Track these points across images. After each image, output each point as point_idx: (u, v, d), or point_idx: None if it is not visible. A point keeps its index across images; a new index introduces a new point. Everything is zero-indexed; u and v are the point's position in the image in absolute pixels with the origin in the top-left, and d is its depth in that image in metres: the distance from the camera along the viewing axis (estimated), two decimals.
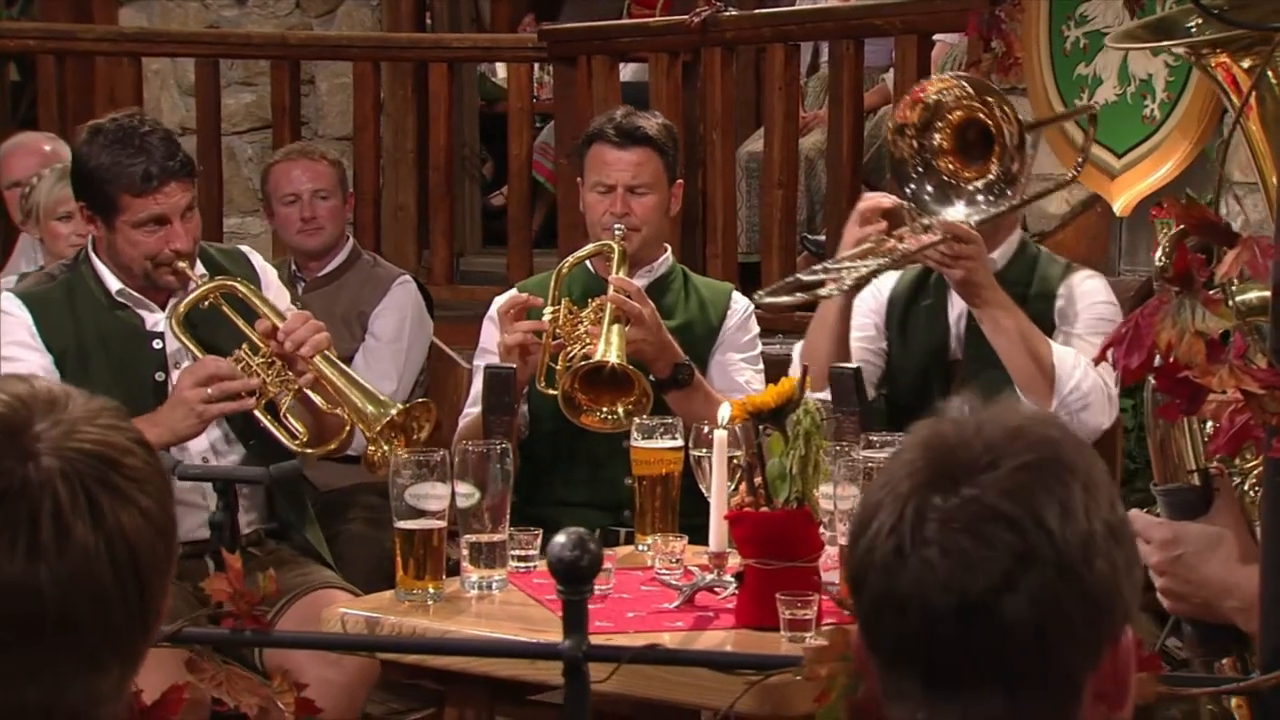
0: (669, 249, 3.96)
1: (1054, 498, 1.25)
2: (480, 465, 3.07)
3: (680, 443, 3.30)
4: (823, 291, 3.45)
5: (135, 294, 3.52)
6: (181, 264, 3.44)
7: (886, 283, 3.73)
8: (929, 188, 3.46)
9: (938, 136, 3.41)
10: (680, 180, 3.97)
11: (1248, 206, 4.70)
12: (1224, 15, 1.93)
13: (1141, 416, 4.62)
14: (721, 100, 5.70)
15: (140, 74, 6.93)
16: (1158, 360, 1.77)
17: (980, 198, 3.44)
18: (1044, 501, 1.24)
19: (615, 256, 3.67)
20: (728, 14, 5.64)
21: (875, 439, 3.02)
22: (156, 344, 3.53)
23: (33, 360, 3.43)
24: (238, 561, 1.99)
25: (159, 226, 3.42)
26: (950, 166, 3.43)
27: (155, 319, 3.54)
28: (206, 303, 3.45)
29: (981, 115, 3.39)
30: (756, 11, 6.05)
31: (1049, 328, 3.58)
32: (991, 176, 3.44)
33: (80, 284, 3.53)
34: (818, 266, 3.59)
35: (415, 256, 7.06)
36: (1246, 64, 2.03)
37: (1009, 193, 3.44)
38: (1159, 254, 2.37)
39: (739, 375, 3.83)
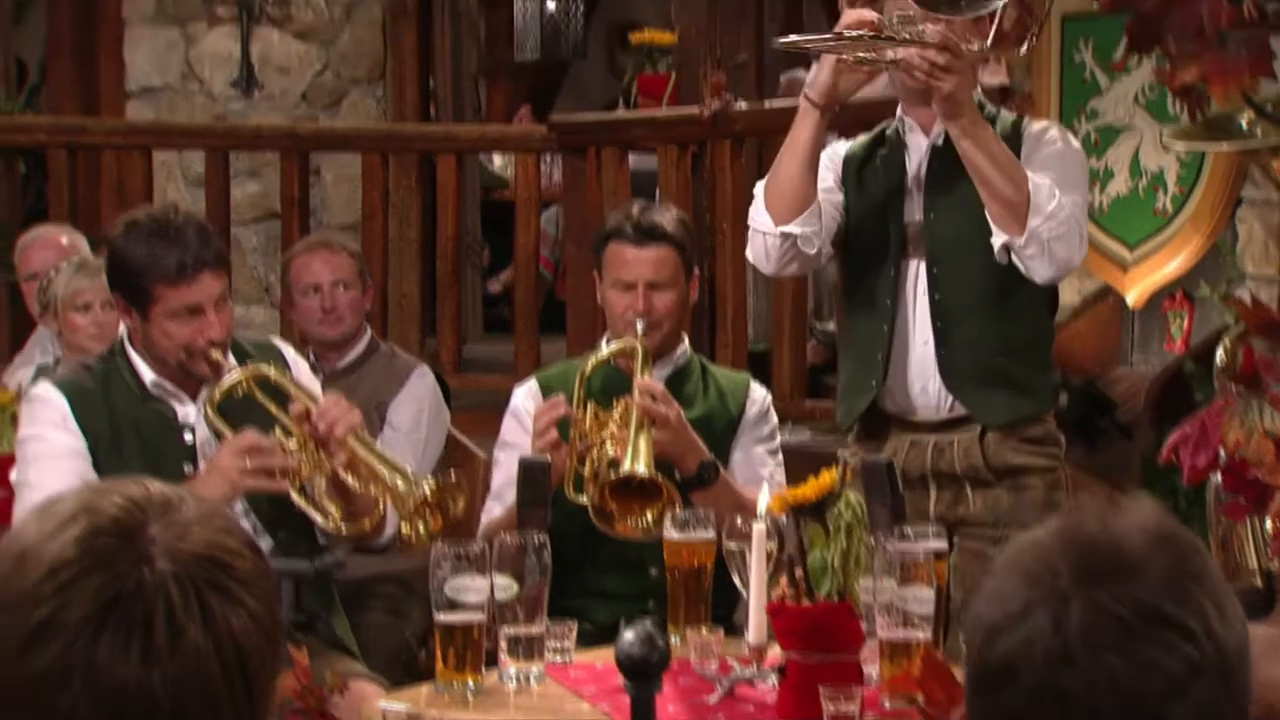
0: (686, 339, 3.99)
1: (1210, 601, 1.28)
2: (517, 558, 3.09)
3: (713, 534, 3.32)
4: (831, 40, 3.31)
5: (169, 385, 3.55)
6: (215, 354, 3.47)
7: (843, 143, 3.69)
8: None
9: None
10: (697, 271, 4.01)
11: (1264, 299, 4.75)
12: (1254, 104, 1.96)
13: (1189, 507, 4.65)
14: (732, 191, 5.76)
15: (150, 166, 7.00)
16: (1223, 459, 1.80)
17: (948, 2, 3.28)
18: (1204, 605, 1.27)
19: (639, 357, 3.70)
20: (738, 107, 5.70)
21: (910, 531, 3.04)
22: (187, 436, 3.56)
23: (63, 441, 3.45)
24: (305, 658, 2.01)
25: (194, 317, 3.45)
26: None
27: (187, 411, 3.56)
28: (240, 391, 3.47)
29: None
30: (767, 105, 6.11)
31: None
32: None
33: (115, 375, 3.56)
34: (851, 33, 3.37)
35: (419, 344, 7.09)
36: None
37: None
38: (1219, 353, 2.40)
39: (762, 467, 3.85)
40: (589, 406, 3.65)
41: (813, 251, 3.52)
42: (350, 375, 4.70)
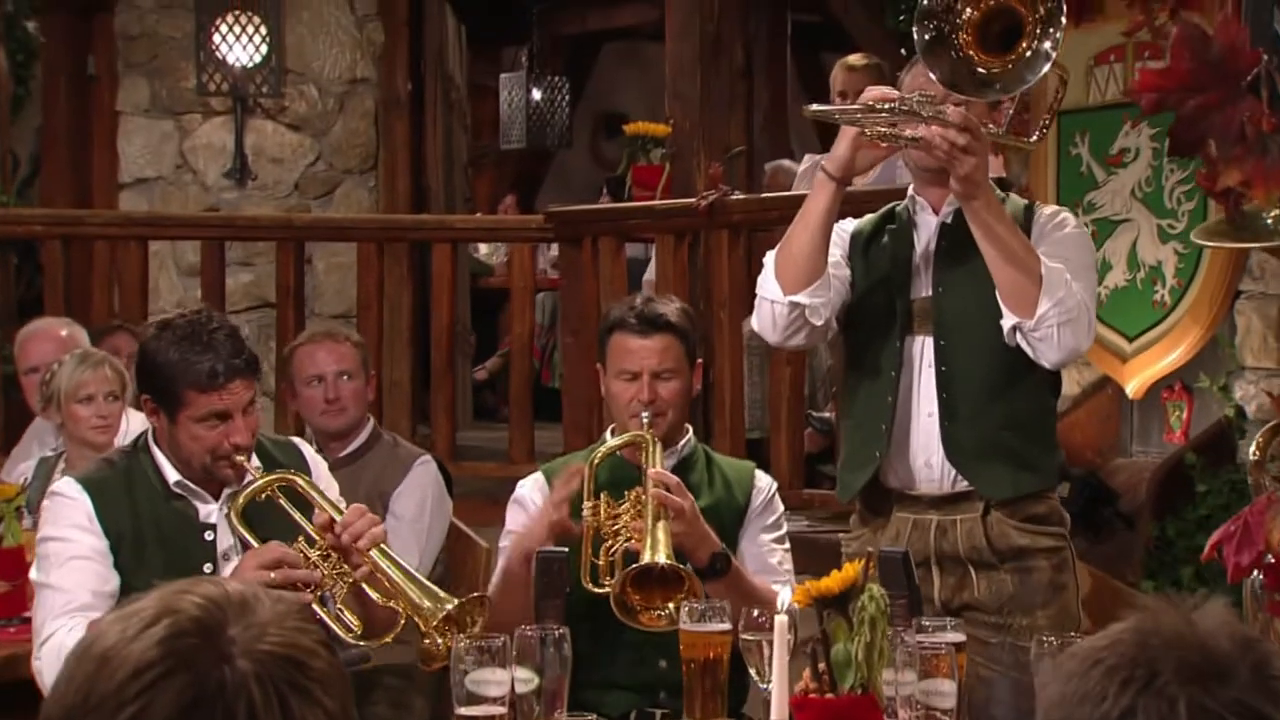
0: (690, 429, 4.00)
1: None
2: (538, 651, 3.08)
3: (728, 626, 3.32)
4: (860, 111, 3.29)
5: (192, 485, 3.55)
6: (239, 458, 3.47)
7: (850, 220, 3.67)
8: (932, 41, 3.26)
9: (969, 10, 3.22)
10: (700, 360, 4.03)
11: (1262, 391, 4.80)
12: None
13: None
14: (729, 280, 5.80)
15: (146, 257, 7.03)
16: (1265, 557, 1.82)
17: (974, 84, 3.28)
18: None
19: (648, 448, 3.71)
20: (735, 197, 5.75)
21: (927, 623, 3.05)
22: (209, 535, 3.55)
23: (88, 542, 3.44)
24: None
25: (221, 421, 3.45)
26: (965, 39, 3.24)
27: (209, 510, 3.56)
28: (264, 495, 3.47)
29: (1022, 11, 3.20)
30: (764, 195, 6.18)
31: None
32: (995, 71, 3.26)
33: (139, 471, 3.55)
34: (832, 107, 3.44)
35: (410, 433, 7.11)
36: None
37: (995, 89, 3.28)
38: (1251, 449, 2.42)
39: (771, 557, 3.85)
40: (601, 498, 3.65)
41: (819, 323, 3.51)
42: (353, 464, 4.71)
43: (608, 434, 3.91)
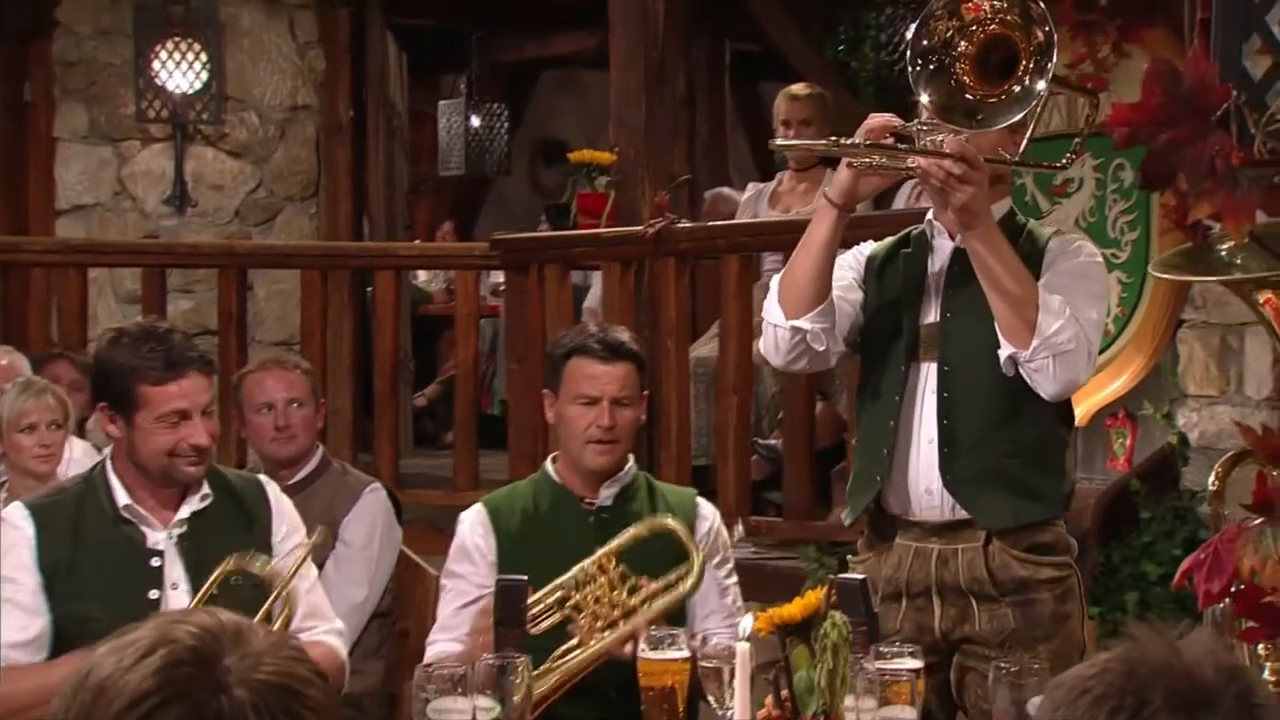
0: (632, 457, 4.00)
1: None
2: (500, 679, 3.08)
3: (686, 654, 3.33)
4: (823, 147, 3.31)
5: (141, 511, 3.54)
6: (194, 468, 3.48)
7: (868, 244, 3.68)
8: (929, 68, 3.27)
9: (964, 43, 3.23)
10: (646, 391, 4.04)
11: (1204, 419, 4.86)
12: (1260, 242, 2.03)
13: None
14: (675, 308, 5.83)
15: (85, 284, 6.99)
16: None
17: (989, 112, 3.26)
18: None
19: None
20: (681, 225, 5.78)
21: (885, 650, 3.07)
22: (155, 561, 3.54)
23: (30, 584, 3.46)
24: None
25: (179, 420, 3.46)
26: (964, 74, 3.25)
27: (157, 537, 3.55)
28: (223, 580, 3.47)
29: (1016, 40, 3.19)
30: (710, 224, 6.21)
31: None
32: (996, 99, 3.25)
33: (90, 496, 3.55)
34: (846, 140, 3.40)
35: (352, 460, 7.08)
36: None
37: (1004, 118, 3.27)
38: (1211, 478, 2.45)
39: (725, 597, 3.86)
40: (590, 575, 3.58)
41: (821, 348, 3.51)
42: (302, 492, 4.68)
43: (548, 463, 3.91)
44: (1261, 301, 2.18)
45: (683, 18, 6.96)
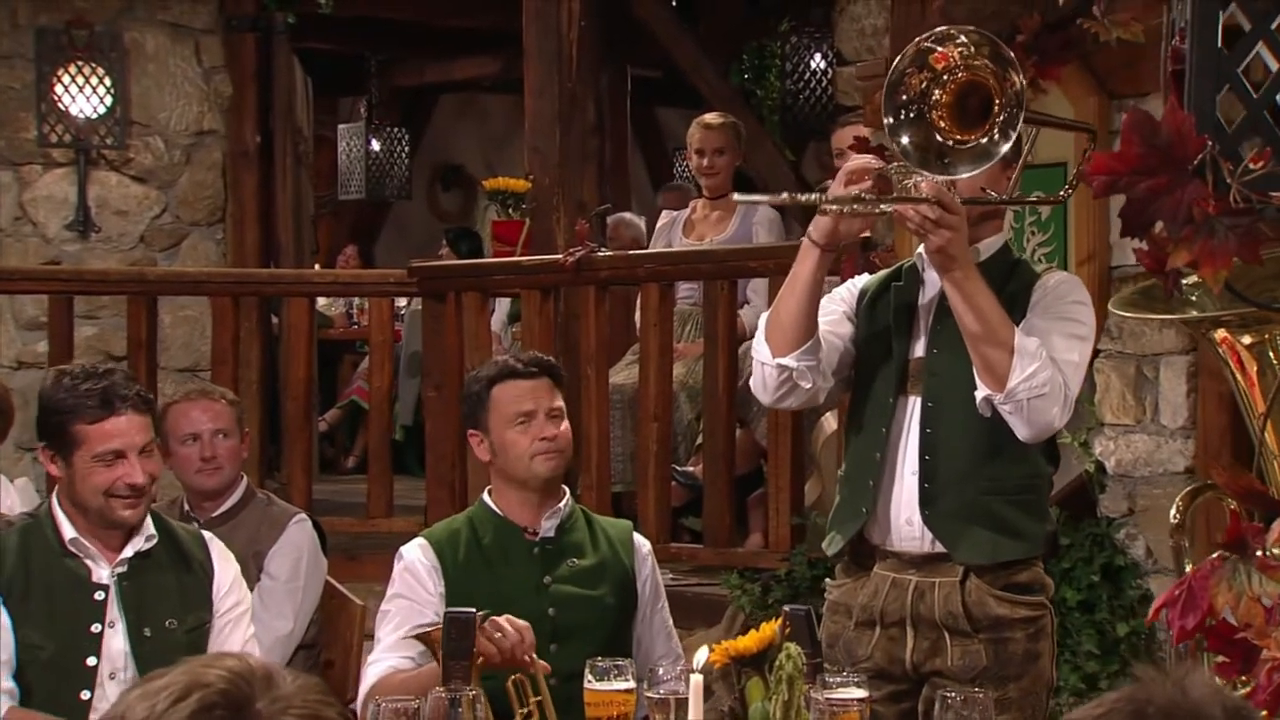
0: (567, 489, 4.00)
1: None
2: (450, 713, 3.09)
3: (632, 684, 3.35)
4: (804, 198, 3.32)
5: (87, 544, 3.53)
6: (130, 510, 3.46)
7: (862, 278, 3.68)
8: (909, 116, 3.24)
9: (939, 93, 3.21)
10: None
11: (1120, 447, 4.96)
12: (1232, 288, 2.09)
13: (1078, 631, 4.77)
14: (595, 335, 5.86)
15: None
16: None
17: (955, 160, 3.24)
18: None
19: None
20: (602, 254, 5.82)
21: (831, 680, 3.11)
22: (99, 595, 3.53)
23: None
24: None
25: (116, 459, 3.44)
26: (941, 120, 3.23)
27: (102, 573, 3.54)
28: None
29: (991, 86, 3.19)
30: (632, 253, 6.25)
31: (1017, 317, 3.44)
32: (973, 144, 3.23)
33: (37, 529, 3.55)
34: (803, 195, 3.44)
35: (258, 485, 7.04)
36: (1247, 340, 2.19)
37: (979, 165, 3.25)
38: (1172, 511, 2.51)
39: (671, 640, 3.88)
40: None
41: (808, 385, 3.50)
42: (227, 524, 4.65)
43: (485, 496, 3.91)
44: (1218, 340, 2.25)
45: (593, 46, 7.02)
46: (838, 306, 3.60)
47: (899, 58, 3.19)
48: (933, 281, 3.52)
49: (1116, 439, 4.95)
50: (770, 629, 2.93)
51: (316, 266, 10.22)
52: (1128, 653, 4.79)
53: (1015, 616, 3.45)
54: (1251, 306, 2.10)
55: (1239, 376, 2.21)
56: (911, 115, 3.19)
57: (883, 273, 3.67)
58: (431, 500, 6.46)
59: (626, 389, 6.25)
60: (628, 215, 8.59)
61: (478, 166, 13.16)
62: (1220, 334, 2.22)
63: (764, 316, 3.59)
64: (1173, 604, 1.90)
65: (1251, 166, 1.93)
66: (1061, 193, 3.55)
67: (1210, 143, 1.91)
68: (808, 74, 8.89)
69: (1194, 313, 2.25)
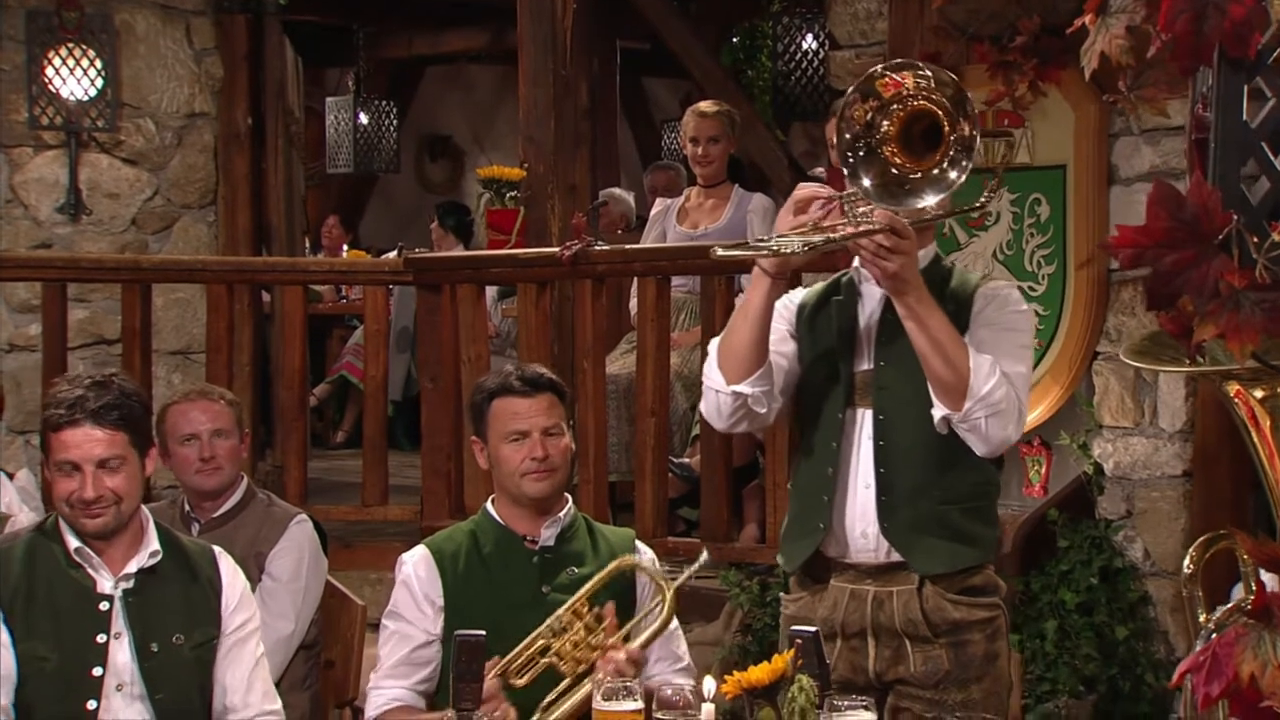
0: (569, 497, 4.02)
1: None
2: None
3: (640, 705, 3.37)
4: (768, 248, 3.32)
5: (92, 554, 3.54)
6: (91, 520, 3.46)
7: (798, 292, 3.71)
8: (860, 155, 3.26)
9: (886, 123, 3.24)
10: (572, 422, 4.08)
11: (1119, 450, 4.99)
12: (1260, 358, 2.09)
13: (1058, 655, 4.81)
14: (592, 330, 5.86)
15: None
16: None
17: (915, 188, 3.26)
18: None
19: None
20: (599, 248, 5.82)
21: (840, 703, 3.13)
22: (104, 606, 3.54)
23: None
24: None
25: (73, 470, 3.46)
26: (893, 155, 3.26)
27: (106, 583, 3.55)
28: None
29: (940, 115, 3.23)
30: (628, 247, 6.25)
31: (961, 330, 3.49)
32: (926, 174, 3.25)
33: (43, 540, 3.56)
34: (759, 239, 3.46)
35: (251, 467, 7.06)
36: (1259, 394, 2.20)
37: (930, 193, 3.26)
38: (1185, 562, 2.53)
39: (672, 642, 3.90)
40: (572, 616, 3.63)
41: (763, 411, 3.55)
42: (227, 524, 4.67)
43: (488, 505, 3.93)
44: (1231, 393, 2.26)
45: (585, 30, 7.00)
46: (779, 324, 3.61)
47: (849, 90, 3.23)
48: (871, 295, 3.57)
49: (1115, 441, 4.97)
50: (782, 660, 2.95)
51: (306, 241, 10.20)
52: (1126, 655, 4.83)
53: (973, 619, 3.52)
54: (1277, 373, 2.10)
55: (1253, 431, 2.22)
56: (862, 153, 3.21)
57: (818, 286, 3.68)
58: (427, 491, 6.46)
59: (621, 379, 6.26)
60: (616, 190, 8.58)
61: (465, 138, 13.14)
62: (1233, 387, 2.22)
63: (714, 343, 3.61)
64: (1198, 669, 1.92)
65: (1278, 240, 1.95)
66: (980, 200, 3.59)
67: (1236, 217, 1.92)
68: (799, 55, 8.88)
69: (1206, 365, 2.25)
